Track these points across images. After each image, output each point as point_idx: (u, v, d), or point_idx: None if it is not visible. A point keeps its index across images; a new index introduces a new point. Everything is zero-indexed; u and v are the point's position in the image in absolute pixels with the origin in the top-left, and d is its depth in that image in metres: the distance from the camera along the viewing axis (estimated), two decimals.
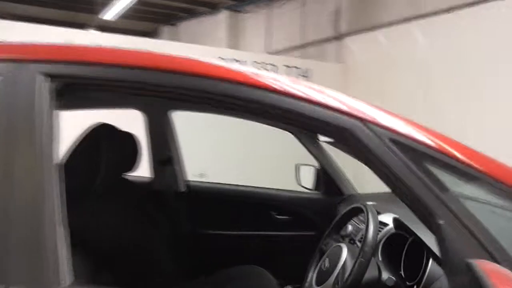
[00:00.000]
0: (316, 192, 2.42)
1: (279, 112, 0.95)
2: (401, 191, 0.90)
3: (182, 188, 2.31)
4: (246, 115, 2.20)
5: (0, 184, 0.88)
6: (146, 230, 1.74)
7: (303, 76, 5.10)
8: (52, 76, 0.92)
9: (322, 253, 1.46)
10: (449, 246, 0.86)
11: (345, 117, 0.91)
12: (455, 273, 0.85)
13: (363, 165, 0.96)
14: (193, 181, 2.39)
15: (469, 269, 0.78)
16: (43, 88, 0.91)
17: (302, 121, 0.95)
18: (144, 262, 1.66)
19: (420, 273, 1.22)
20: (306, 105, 0.92)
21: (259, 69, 0.93)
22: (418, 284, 1.20)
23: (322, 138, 2.17)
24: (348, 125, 0.91)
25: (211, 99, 0.97)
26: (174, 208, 2.28)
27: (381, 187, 1.03)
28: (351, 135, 0.91)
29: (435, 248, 1.15)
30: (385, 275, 1.17)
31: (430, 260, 1.14)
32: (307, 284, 1.41)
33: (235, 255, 2.26)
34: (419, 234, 1.22)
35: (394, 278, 1.13)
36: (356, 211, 1.43)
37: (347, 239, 1.51)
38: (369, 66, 5.33)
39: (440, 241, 0.88)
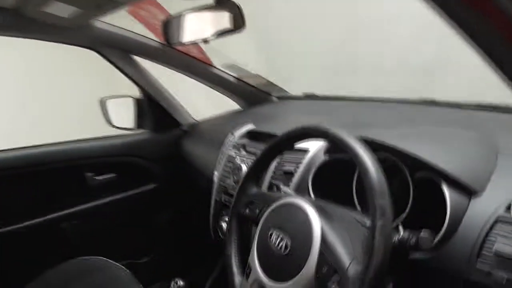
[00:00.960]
0: (143, 130, 1.75)
1: None
2: None
3: None
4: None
5: None
6: None
7: None
8: None
9: (247, 221, 0.90)
10: None
11: None
12: None
13: None
14: None
15: None
16: None
17: None
18: None
19: (408, 208, 0.83)
20: None
21: None
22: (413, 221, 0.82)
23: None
24: None
25: None
26: None
27: None
28: None
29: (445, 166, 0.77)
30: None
31: (445, 186, 0.75)
32: (239, 281, 0.85)
33: (50, 252, 1.48)
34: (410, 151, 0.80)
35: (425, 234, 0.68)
36: (287, 141, 0.88)
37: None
38: None
39: None
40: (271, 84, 1.82)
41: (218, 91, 1.80)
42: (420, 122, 1.13)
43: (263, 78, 1.79)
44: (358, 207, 0.93)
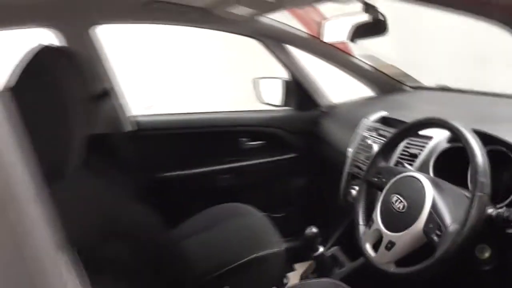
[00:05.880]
0: (287, 108, 2.08)
1: None
2: None
3: (130, 126, 1.79)
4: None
5: None
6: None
7: None
8: None
9: (373, 187, 1.16)
10: None
11: None
12: None
13: None
14: (141, 115, 1.86)
15: None
16: None
17: None
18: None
19: None
20: None
21: None
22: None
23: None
24: None
25: None
26: (124, 153, 1.77)
27: None
28: None
29: None
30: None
31: None
32: (363, 229, 1.12)
33: (209, 196, 1.91)
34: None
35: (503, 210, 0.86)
36: (413, 129, 1.11)
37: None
38: None
39: None
40: (405, 74, 1.97)
41: (355, 78, 2.03)
42: None
43: (398, 68, 1.96)
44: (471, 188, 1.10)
